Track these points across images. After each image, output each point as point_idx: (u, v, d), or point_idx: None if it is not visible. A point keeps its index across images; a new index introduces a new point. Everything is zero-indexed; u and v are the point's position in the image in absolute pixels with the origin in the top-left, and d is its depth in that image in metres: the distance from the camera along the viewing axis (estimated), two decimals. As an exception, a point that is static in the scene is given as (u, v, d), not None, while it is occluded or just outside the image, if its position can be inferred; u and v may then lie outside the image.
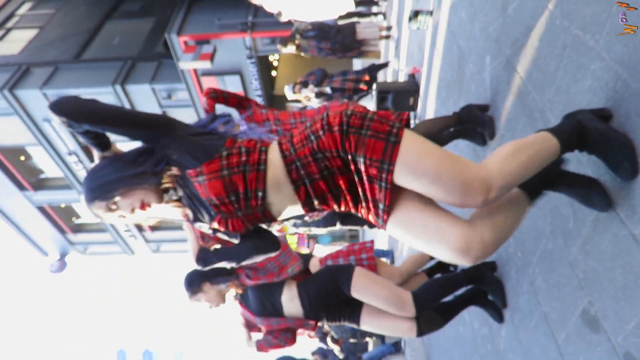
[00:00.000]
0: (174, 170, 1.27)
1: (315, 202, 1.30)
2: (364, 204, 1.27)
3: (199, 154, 1.26)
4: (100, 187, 1.26)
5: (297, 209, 1.33)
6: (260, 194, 1.28)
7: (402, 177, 1.19)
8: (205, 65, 9.24)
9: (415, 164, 1.17)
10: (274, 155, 1.29)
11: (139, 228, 13.95)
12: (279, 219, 1.35)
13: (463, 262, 1.21)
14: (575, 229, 1.58)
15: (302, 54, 5.04)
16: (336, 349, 6.13)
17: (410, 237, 1.24)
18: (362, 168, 1.21)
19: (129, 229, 13.86)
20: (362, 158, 1.20)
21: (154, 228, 14.23)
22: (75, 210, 14.23)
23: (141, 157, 1.28)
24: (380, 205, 1.23)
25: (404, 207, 1.24)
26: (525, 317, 1.98)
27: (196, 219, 1.35)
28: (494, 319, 2.22)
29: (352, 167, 1.22)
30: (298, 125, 2.03)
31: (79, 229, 14.55)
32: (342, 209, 1.32)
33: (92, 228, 14.37)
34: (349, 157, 1.22)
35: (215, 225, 1.33)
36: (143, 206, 1.29)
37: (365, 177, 1.22)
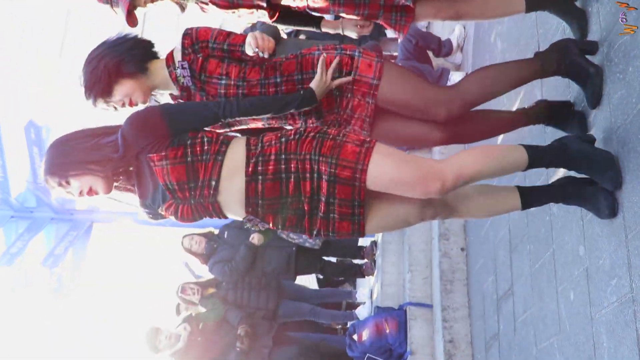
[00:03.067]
0: (129, 161, 2.16)
1: (260, 205, 2.13)
2: (321, 213, 2.14)
3: (165, 142, 2.11)
4: (60, 165, 2.14)
5: (240, 210, 2.16)
6: (213, 183, 2.10)
7: (373, 171, 2.05)
8: None
9: (385, 165, 2.06)
10: (237, 147, 2.13)
11: None
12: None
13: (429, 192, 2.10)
14: None
15: None
16: None
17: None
18: (335, 170, 2.05)
19: None
20: (336, 160, 2.05)
21: None
22: None
23: (103, 139, 2.18)
24: (356, 211, 2.13)
25: (375, 213, 2.19)
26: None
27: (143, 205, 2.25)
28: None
29: (324, 168, 2.05)
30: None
31: None
32: (282, 226, 2.21)
33: None
34: (322, 159, 2.05)
35: (163, 209, 2.19)
36: (90, 192, 2.16)
37: (336, 179, 2.06)
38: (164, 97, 2.62)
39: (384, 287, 5.59)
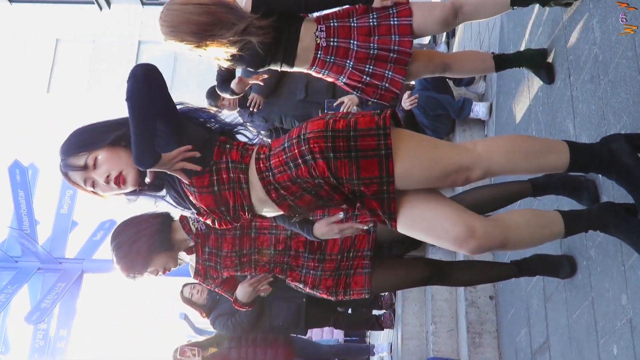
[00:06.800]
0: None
1: (299, 211, 2.34)
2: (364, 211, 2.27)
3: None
4: (92, 134, 2.22)
5: (278, 212, 2.35)
6: (246, 207, 2.27)
7: (401, 182, 2.15)
8: None
9: (410, 168, 2.15)
10: (253, 175, 2.23)
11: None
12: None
13: (460, 250, 2.27)
14: None
15: None
16: None
17: (418, 235, 2.31)
18: (361, 188, 2.15)
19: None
20: (359, 180, 2.13)
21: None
22: None
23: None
24: (386, 215, 2.22)
25: (408, 209, 2.25)
26: None
27: (179, 204, 2.39)
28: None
29: (346, 188, 2.17)
30: None
31: None
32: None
33: None
34: (342, 181, 2.14)
35: (201, 219, 2.38)
36: (119, 178, 2.19)
37: (366, 195, 2.17)
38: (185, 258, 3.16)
39: (405, 340, 5.56)
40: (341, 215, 2.48)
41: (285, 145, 2.20)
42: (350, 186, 2.17)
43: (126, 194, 2.32)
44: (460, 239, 2.20)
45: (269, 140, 2.36)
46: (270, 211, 2.35)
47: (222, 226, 2.36)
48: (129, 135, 2.08)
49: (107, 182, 2.20)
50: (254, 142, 2.42)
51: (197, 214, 2.36)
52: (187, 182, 2.22)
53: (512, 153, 2.24)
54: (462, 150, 2.25)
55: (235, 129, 2.43)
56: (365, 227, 2.55)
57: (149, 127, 2.04)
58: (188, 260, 3.12)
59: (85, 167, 2.20)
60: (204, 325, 6.78)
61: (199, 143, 2.21)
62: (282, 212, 2.33)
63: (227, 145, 2.28)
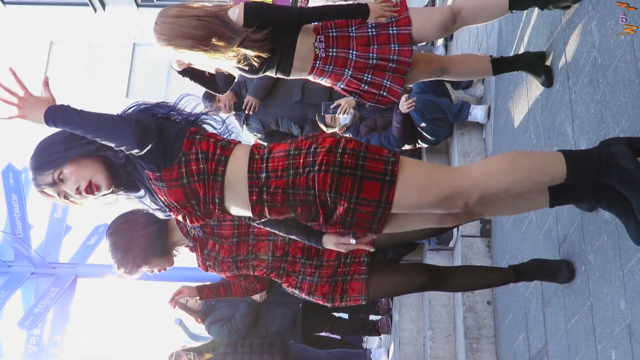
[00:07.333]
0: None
1: (268, 215, 2.33)
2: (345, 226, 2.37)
3: (157, 160, 2.20)
4: (52, 151, 2.23)
5: (248, 213, 2.35)
6: (217, 200, 2.28)
7: (398, 208, 2.26)
8: None
9: (407, 196, 2.23)
10: (238, 169, 2.25)
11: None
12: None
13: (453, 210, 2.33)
14: None
15: None
16: None
17: (405, 228, 2.57)
18: (357, 207, 2.22)
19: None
20: (357, 199, 2.20)
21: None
22: None
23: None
24: (375, 223, 2.30)
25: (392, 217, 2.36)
26: None
27: (153, 202, 2.38)
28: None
29: (343, 205, 2.22)
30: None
31: None
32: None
33: None
34: (341, 197, 2.19)
35: (173, 215, 2.39)
36: (90, 188, 2.24)
37: (360, 211, 2.24)
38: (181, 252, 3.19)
39: (402, 346, 5.55)
40: (353, 241, 2.56)
41: (291, 152, 2.24)
42: (347, 203, 2.21)
43: (104, 195, 2.36)
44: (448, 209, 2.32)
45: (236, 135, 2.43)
46: (238, 210, 2.36)
47: (193, 222, 2.39)
48: (88, 149, 2.23)
49: (79, 193, 2.26)
50: (222, 133, 2.45)
51: (168, 210, 2.38)
52: (154, 177, 2.24)
53: (512, 172, 2.27)
54: (457, 175, 2.29)
55: (200, 119, 2.44)
56: (372, 250, 2.64)
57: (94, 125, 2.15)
58: (188, 254, 3.16)
59: (54, 183, 2.26)
60: (199, 330, 6.75)
61: (171, 137, 2.25)
62: (249, 214, 2.35)
63: (197, 136, 2.30)
